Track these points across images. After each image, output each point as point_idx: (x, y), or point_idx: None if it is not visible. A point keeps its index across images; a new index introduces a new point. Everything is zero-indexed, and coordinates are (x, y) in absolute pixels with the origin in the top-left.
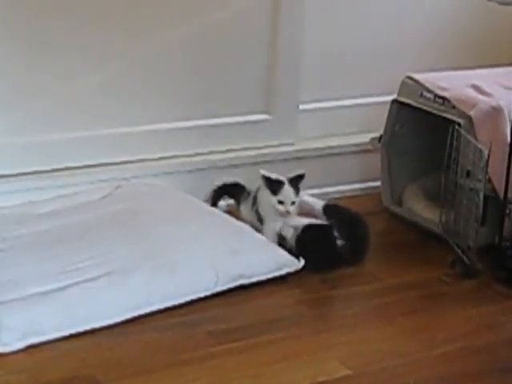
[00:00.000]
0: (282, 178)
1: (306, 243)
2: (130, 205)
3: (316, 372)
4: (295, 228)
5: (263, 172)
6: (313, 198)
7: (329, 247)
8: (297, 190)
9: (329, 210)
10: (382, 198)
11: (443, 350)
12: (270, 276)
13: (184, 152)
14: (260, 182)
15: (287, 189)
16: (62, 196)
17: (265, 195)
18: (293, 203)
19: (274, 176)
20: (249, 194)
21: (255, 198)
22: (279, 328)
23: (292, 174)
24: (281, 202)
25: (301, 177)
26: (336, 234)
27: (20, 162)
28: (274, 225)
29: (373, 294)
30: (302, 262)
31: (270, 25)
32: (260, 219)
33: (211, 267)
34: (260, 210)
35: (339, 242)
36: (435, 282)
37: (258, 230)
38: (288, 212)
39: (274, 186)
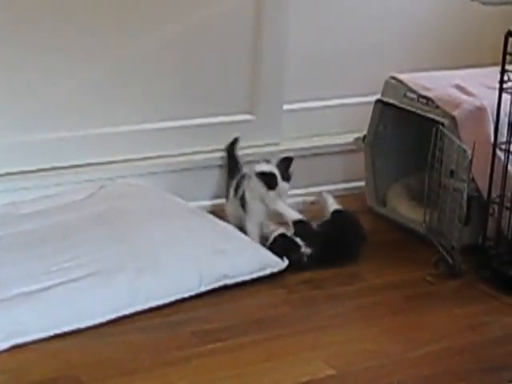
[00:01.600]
0: (274, 170)
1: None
2: (113, 205)
3: (300, 372)
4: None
5: (257, 169)
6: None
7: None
8: (288, 176)
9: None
10: (366, 198)
11: (427, 349)
12: (253, 276)
13: (168, 152)
14: (244, 172)
15: (282, 183)
16: (46, 196)
17: (257, 188)
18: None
19: (267, 169)
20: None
21: (238, 186)
22: (263, 328)
23: (280, 160)
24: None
25: (290, 160)
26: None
27: (5, 162)
28: (258, 217)
29: (357, 294)
30: (286, 262)
31: (254, 25)
32: (243, 206)
33: (195, 267)
34: (247, 200)
35: (306, 251)
36: (419, 282)
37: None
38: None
39: (269, 180)
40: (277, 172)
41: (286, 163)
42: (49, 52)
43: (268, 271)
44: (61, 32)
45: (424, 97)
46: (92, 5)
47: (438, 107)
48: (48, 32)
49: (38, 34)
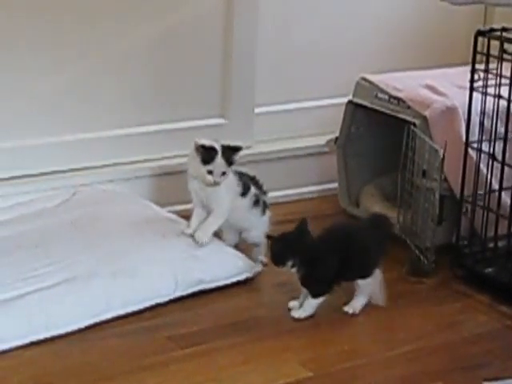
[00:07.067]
0: (216, 145)
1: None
2: (87, 211)
3: (277, 374)
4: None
5: (197, 139)
6: None
7: None
8: (230, 161)
9: None
10: (340, 199)
11: (404, 349)
12: (229, 281)
13: (141, 157)
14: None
15: (219, 159)
16: (19, 203)
17: (194, 163)
18: (223, 174)
19: (207, 143)
20: None
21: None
22: (239, 331)
23: (227, 144)
24: (210, 172)
25: (237, 149)
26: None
27: None
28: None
29: (331, 295)
30: (261, 266)
31: (224, 28)
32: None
33: (170, 273)
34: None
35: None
36: (394, 282)
37: None
38: (216, 182)
39: (206, 155)
40: (219, 148)
41: (232, 151)
42: (15, 59)
43: (244, 276)
44: (29, 37)
45: (395, 97)
46: (61, 11)
47: (409, 107)
48: (18, 36)
49: (9, 38)
